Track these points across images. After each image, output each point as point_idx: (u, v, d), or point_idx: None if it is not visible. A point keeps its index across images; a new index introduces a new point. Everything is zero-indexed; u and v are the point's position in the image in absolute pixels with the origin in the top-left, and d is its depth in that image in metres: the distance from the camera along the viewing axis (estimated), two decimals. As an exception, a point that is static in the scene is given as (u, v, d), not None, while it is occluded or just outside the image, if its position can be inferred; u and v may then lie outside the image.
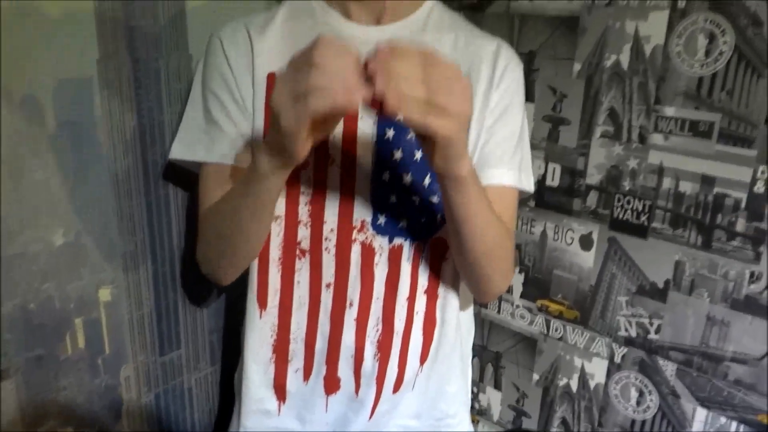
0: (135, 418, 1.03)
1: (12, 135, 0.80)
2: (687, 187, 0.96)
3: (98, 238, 0.92)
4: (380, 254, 0.88)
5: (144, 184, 0.96)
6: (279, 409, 0.94)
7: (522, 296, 1.21)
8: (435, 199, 0.86)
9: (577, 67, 1.04)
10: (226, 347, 1.16)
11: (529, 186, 0.93)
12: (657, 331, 1.05)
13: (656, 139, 0.98)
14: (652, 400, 1.07)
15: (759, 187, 0.90)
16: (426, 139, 0.65)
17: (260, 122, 0.85)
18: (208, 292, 1.11)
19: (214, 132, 0.86)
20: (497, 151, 0.87)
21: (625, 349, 1.09)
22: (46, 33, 0.81)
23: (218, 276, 0.89)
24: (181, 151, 0.89)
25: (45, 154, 0.84)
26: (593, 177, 1.06)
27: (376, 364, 0.89)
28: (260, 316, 0.90)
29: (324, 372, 0.90)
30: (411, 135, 0.84)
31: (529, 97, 1.10)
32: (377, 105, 0.59)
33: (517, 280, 1.21)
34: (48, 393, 0.90)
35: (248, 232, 0.81)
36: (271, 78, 0.85)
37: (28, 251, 0.84)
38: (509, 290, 1.22)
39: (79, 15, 0.84)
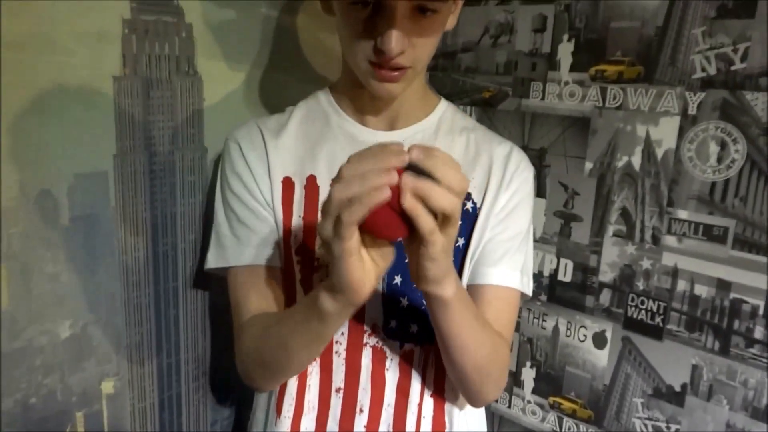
0: None
1: (26, 230, 0.80)
2: (702, 291, 0.95)
3: (105, 329, 0.91)
4: (391, 359, 0.86)
5: (153, 274, 0.96)
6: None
7: (533, 392, 1.18)
8: None
9: (588, 165, 1.04)
10: (228, 439, 1.13)
11: (529, 290, 0.91)
12: (674, 437, 1.01)
13: (670, 240, 0.97)
14: None
15: (776, 295, 0.88)
16: (411, 256, 0.65)
17: (279, 230, 0.86)
18: (212, 385, 1.09)
19: (242, 234, 0.86)
20: (499, 251, 0.87)
21: (642, 454, 1.05)
22: (65, 129, 0.83)
23: (258, 386, 0.88)
24: (214, 259, 0.88)
25: (57, 248, 0.84)
26: (606, 275, 1.05)
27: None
28: (275, 423, 0.87)
29: None
30: None
31: (541, 192, 1.10)
32: None
33: (529, 375, 1.18)
34: (44, 491, 0.88)
35: (300, 360, 0.79)
36: (286, 182, 0.86)
37: (33, 344, 0.83)
38: (520, 385, 1.19)
39: (100, 111, 0.86)
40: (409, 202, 0.56)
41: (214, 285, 0.97)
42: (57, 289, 0.85)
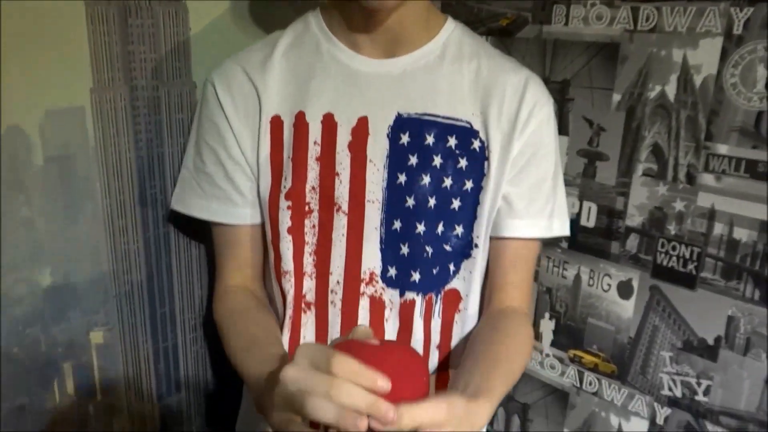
0: (129, 469, 0.96)
1: (-5, 170, 0.74)
2: (742, 234, 0.85)
3: (90, 278, 0.85)
4: (390, 309, 0.80)
5: (141, 220, 0.89)
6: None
7: (552, 345, 1.10)
8: (448, 247, 0.78)
9: (616, 98, 0.93)
10: (230, 394, 1.09)
11: (563, 230, 0.85)
12: (706, 393, 0.93)
13: (707, 179, 0.87)
14: (699, 471, 0.95)
15: (828, 239, 0.78)
16: None
17: (266, 174, 0.79)
18: (211, 336, 1.03)
19: (210, 189, 0.81)
20: (522, 203, 0.80)
21: (669, 411, 0.97)
22: (33, 59, 0.75)
23: None
24: (179, 203, 0.84)
25: (31, 191, 0.78)
26: (634, 218, 0.95)
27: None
28: None
29: None
30: (425, 180, 0.77)
31: (563, 129, 1.00)
32: None
33: (547, 328, 1.10)
34: (32, 445, 0.84)
35: None
36: (275, 122, 0.78)
37: (11, 294, 0.78)
38: (538, 338, 1.12)
39: (72, 39, 0.78)
40: None
41: (209, 231, 0.90)
42: (33, 235, 0.79)
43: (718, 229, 0.87)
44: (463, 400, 0.59)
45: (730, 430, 0.91)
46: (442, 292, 0.81)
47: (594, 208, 1.00)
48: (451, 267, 0.82)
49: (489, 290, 0.86)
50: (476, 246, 0.82)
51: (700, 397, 0.93)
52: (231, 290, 0.85)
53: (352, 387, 0.50)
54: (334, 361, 0.51)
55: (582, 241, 1.02)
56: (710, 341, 0.91)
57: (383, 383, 0.51)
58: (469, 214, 0.81)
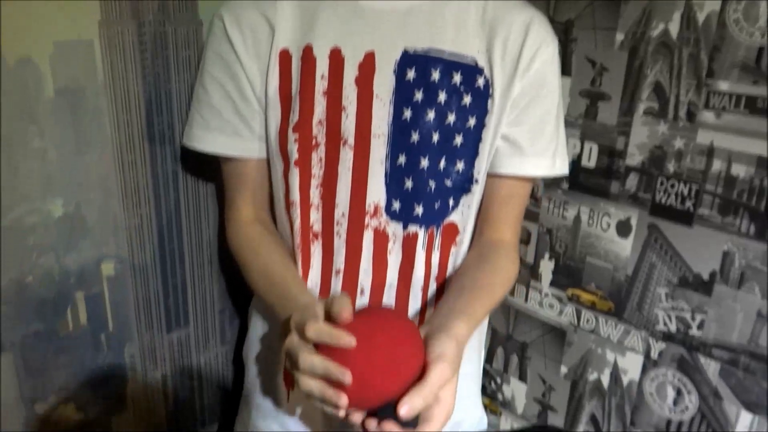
0: (141, 398, 0.99)
1: (7, 100, 0.75)
2: (740, 170, 0.87)
3: (100, 210, 0.87)
4: (394, 241, 0.82)
5: (150, 155, 0.91)
6: (288, 397, 0.90)
7: (552, 284, 1.13)
8: (449, 182, 0.80)
9: (619, 37, 0.94)
10: (236, 328, 1.12)
11: (563, 169, 0.86)
12: (700, 327, 0.96)
13: (707, 116, 0.88)
14: (691, 401, 0.99)
15: (823, 172, 0.80)
16: None
17: (275, 107, 0.80)
18: (219, 272, 1.06)
19: (219, 123, 0.83)
20: (524, 142, 0.81)
21: (663, 345, 1.00)
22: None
23: None
24: (188, 137, 0.86)
25: (42, 122, 0.79)
26: (634, 158, 0.97)
27: (389, 353, 0.84)
28: None
29: None
30: (430, 116, 0.78)
31: (566, 70, 1.01)
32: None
33: (547, 268, 1.13)
34: (48, 369, 0.87)
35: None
36: (283, 55, 0.79)
37: (23, 223, 0.80)
38: (538, 278, 1.14)
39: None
40: None
41: (217, 170, 0.91)
42: (45, 166, 0.81)
43: (717, 165, 0.89)
44: (453, 344, 0.64)
45: (723, 362, 0.94)
46: (442, 226, 0.83)
47: (595, 148, 1.01)
48: (451, 201, 0.83)
49: (480, 223, 0.88)
50: (476, 182, 0.83)
51: (694, 331, 0.96)
52: (244, 222, 0.87)
53: (309, 356, 0.60)
54: (307, 328, 0.61)
55: (582, 182, 1.04)
56: (705, 276, 0.93)
57: (347, 341, 0.59)
58: (471, 151, 0.82)
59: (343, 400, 0.58)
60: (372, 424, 0.59)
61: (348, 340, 0.59)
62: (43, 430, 0.88)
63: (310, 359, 0.60)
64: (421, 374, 0.61)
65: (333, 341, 0.60)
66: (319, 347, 0.61)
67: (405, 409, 0.58)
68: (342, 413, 0.61)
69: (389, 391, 0.59)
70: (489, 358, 1.25)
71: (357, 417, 0.62)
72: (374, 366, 0.59)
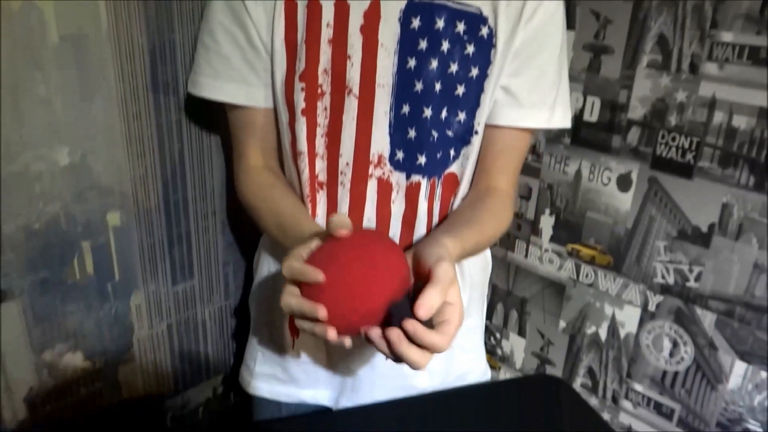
0: (146, 348, 1.01)
1: (11, 46, 0.75)
2: (741, 122, 0.87)
3: (105, 160, 0.87)
4: (397, 191, 0.82)
5: (154, 105, 0.91)
6: (293, 344, 0.91)
7: (551, 240, 1.14)
8: (450, 133, 0.81)
9: (624, -13, 0.94)
10: (240, 281, 1.13)
11: (564, 122, 0.86)
12: (697, 279, 0.97)
13: (709, 68, 0.89)
14: (687, 352, 1.01)
15: (824, 122, 0.81)
16: None
17: (281, 56, 0.80)
18: (223, 225, 1.07)
19: (227, 71, 0.82)
20: (522, 93, 0.81)
21: (661, 298, 1.02)
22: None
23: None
24: (195, 86, 0.85)
25: (47, 69, 0.79)
26: (636, 111, 0.97)
27: (393, 303, 0.85)
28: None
29: None
30: (433, 65, 0.78)
31: (570, 24, 1.01)
32: None
33: (547, 223, 1.14)
34: (55, 317, 0.88)
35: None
36: (289, 3, 0.78)
37: (30, 170, 0.80)
38: (538, 233, 1.16)
39: None
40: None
41: (221, 120, 0.91)
42: (50, 114, 0.81)
43: (718, 117, 0.89)
44: (446, 251, 0.66)
45: (719, 313, 0.96)
46: (443, 176, 0.84)
47: (597, 102, 1.01)
48: (452, 152, 0.84)
49: (477, 173, 0.88)
50: (476, 133, 0.83)
51: (691, 283, 0.98)
52: (254, 169, 0.87)
53: (286, 297, 0.62)
54: (282, 268, 0.63)
55: (584, 136, 1.05)
56: (704, 228, 0.95)
57: (313, 276, 0.60)
58: (472, 101, 0.82)
59: (321, 311, 0.59)
60: (394, 333, 0.57)
61: (314, 275, 0.60)
62: (51, 378, 0.90)
63: (287, 301, 0.62)
64: (410, 291, 0.62)
65: (303, 278, 0.61)
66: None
67: (424, 310, 0.57)
68: (332, 334, 0.61)
69: (376, 304, 0.60)
70: (489, 314, 1.27)
71: (374, 333, 0.61)
72: (350, 288, 0.60)
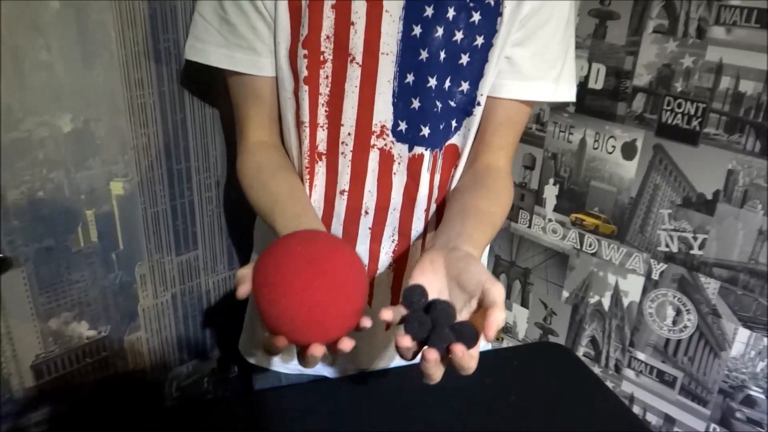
0: (151, 317, 1.01)
1: (11, 11, 0.74)
2: (748, 87, 0.87)
3: (108, 127, 0.87)
4: (399, 163, 0.81)
5: (156, 73, 0.90)
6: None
7: (555, 209, 1.14)
8: (453, 104, 0.79)
9: (631, -50, 0.93)
10: (244, 252, 1.13)
11: (569, 96, 0.84)
12: (701, 247, 0.97)
13: (717, 32, 0.88)
14: (690, 320, 1.01)
15: (832, 86, 0.80)
16: None
17: (285, 22, 0.78)
18: (226, 196, 1.07)
19: (234, 38, 0.79)
20: (526, 64, 0.79)
21: (665, 266, 1.02)
22: None
23: None
24: (199, 54, 0.82)
25: (49, 34, 0.78)
26: (642, 78, 0.96)
27: (391, 275, 0.85)
28: None
29: None
30: (438, 33, 0.76)
31: (576, -12, 1.00)
32: None
33: (551, 193, 1.14)
34: (60, 285, 0.88)
35: None
36: None
37: (33, 137, 0.80)
38: (542, 203, 1.15)
39: None
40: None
41: (222, 88, 0.91)
42: (53, 80, 0.80)
43: (725, 83, 0.89)
44: (500, 285, 0.64)
45: (722, 280, 0.96)
46: (444, 148, 0.83)
47: (602, 69, 1.01)
48: (454, 123, 0.82)
49: (476, 147, 0.86)
50: (479, 104, 0.82)
51: (695, 251, 0.98)
52: (255, 147, 0.85)
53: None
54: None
55: (589, 104, 1.04)
56: (709, 196, 0.95)
57: (239, 292, 0.60)
58: (476, 71, 0.80)
59: (280, 341, 0.63)
60: (459, 348, 0.57)
61: (240, 291, 0.61)
62: (56, 346, 0.90)
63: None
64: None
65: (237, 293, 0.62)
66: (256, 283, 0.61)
67: (492, 332, 0.57)
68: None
69: (337, 312, 0.60)
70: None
71: (432, 355, 0.59)
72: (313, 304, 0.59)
